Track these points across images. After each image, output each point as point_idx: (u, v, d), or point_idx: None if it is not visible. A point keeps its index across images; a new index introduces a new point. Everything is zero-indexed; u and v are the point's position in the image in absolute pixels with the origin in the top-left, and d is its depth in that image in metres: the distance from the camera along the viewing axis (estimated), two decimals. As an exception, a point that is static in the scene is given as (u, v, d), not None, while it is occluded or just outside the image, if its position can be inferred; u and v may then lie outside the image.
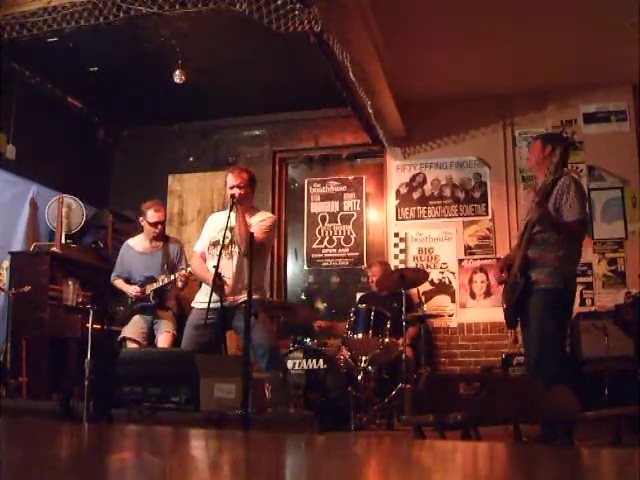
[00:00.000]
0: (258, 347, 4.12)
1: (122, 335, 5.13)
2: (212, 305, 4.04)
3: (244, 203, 4.38)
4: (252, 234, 4.02)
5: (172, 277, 5.12)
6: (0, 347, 5.21)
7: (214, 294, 4.04)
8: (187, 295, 5.86)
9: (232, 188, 4.38)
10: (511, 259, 4.18)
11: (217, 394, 3.85)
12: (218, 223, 4.46)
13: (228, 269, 4.30)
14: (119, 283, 5.34)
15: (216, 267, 4.06)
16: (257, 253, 4.17)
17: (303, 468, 1.20)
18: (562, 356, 3.93)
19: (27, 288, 5.15)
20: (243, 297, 4.11)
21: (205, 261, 4.45)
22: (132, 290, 5.21)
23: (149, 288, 5.17)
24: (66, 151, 6.84)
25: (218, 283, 4.10)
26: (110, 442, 1.61)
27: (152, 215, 5.30)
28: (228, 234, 4.30)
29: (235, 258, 4.35)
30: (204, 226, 4.68)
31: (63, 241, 6.01)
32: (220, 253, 4.15)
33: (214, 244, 4.39)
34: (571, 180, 4.00)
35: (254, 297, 4.08)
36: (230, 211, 4.25)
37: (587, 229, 4.12)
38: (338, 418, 4.65)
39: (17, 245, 6.05)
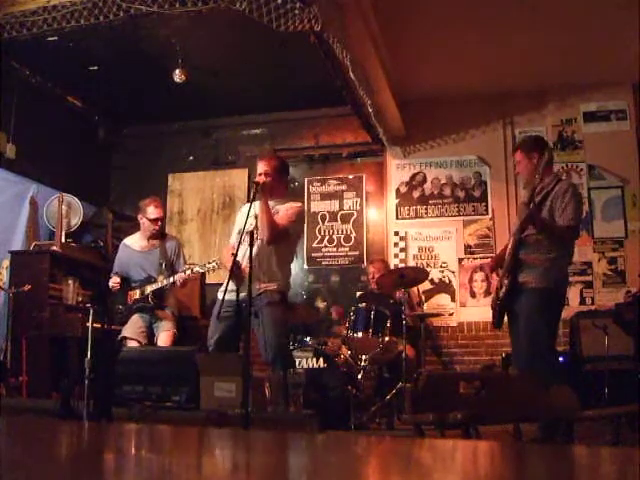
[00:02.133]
0: (262, 342, 4.08)
1: (122, 335, 5.12)
2: (229, 296, 3.96)
3: (271, 191, 4.21)
4: (274, 224, 4.00)
5: (171, 279, 5.12)
6: (0, 346, 5.21)
7: (234, 285, 3.97)
8: (184, 297, 5.87)
9: (259, 175, 4.24)
10: (502, 257, 4.20)
11: (217, 393, 3.85)
12: (246, 212, 4.25)
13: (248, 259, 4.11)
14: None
15: (234, 255, 3.93)
16: (281, 242, 4.16)
17: (303, 467, 1.20)
18: (551, 356, 3.93)
19: (27, 287, 5.15)
20: (261, 288, 4.05)
21: (237, 252, 4.21)
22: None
23: (148, 288, 5.17)
24: (66, 150, 6.84)
25: (236, 272, 3.97)
26: (110, 441, 1.61)
27: (152, 211, 5.29)
28: (252, 222, 4.13)
29: (255, 247, 4.09)
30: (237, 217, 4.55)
31: (63, 240, 6.00)
32: (239, 242, 4.00)
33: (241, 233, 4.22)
34: (569, 186, 4.03)
35: (271, 286, 4.09)
36: (253, 199, 4.06)
37: (577, 236, 4.11)
38: (338, 417, 4.64)
39: (17, 244, 6.05)
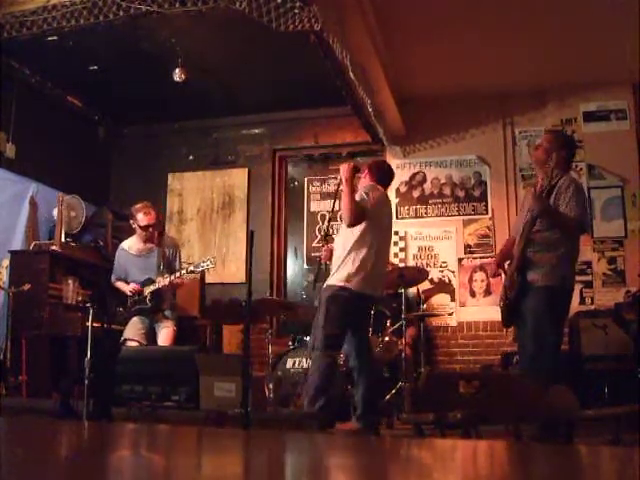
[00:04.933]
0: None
1: (123, 337, 5.13)
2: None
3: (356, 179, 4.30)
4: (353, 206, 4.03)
5: (167, 280, 5.13)
6: (0, 346, 5.21)
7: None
8: (184, 297, 5.87)
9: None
10: (506, 254, 4.18)
11: (217, 392, 3.85)
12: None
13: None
14: (120, 285, 5.36)
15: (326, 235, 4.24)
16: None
17: (303, 466, 1.20)
18: (557, 354, 3.92)
19: (27, 287, 5.15)
20: (330, 281, 4.11)
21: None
22: (129, 288, 5.22)
23: (146, 290, 5.18)
24: (66, 150, 6.83)
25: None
26: (110, 440, 1.61)
27: (142, 218, 5.32)
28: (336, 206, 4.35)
29: (341, 234, 4.31)
30: None
31: (63, 240, 6.00)
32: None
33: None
34: (571, 180, 4.01)
35: (334, 280, 4.11)
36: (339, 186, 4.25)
37: (584, 229, 4.08)
38: (338, 417, 4.64)
39: (17, 244, 6.05)
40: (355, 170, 4.23)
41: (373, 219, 4.15)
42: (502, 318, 4.08)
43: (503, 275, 4.18)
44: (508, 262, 4.16)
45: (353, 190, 4.16)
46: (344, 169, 4.21)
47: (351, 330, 4.12)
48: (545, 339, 3.80)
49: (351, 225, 4.08)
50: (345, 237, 4.19)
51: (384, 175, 4.43)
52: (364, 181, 4.38)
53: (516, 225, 4.30)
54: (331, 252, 4.34)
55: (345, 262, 4.10)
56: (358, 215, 4.08)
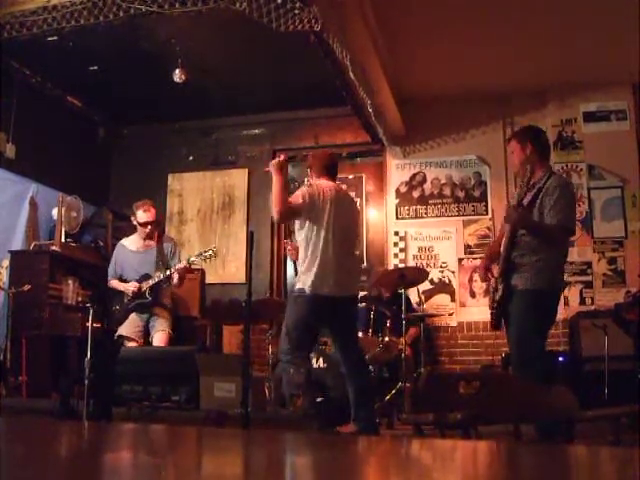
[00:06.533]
0: None
1: (118, 333, 5.14)
2: None
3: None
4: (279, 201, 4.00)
5: (167, 272, 5.14)
6: (0, 346, 5.21)
7: None
8: (184, 297, 5.87)
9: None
10: (492, 257, 4.10)
11: (217, 393, 3.86)
12: None
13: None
14: (115, 283, 5.35)
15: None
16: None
17: (303, 467, 1.20)
18: (542, 357, 3.86)
19: (27, 287, 5.15)
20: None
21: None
22: (130, 287, 5.22)
23: (145, 285, 5.19)
24: (66, 150, 6.84)
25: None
26: (110, 441, 1.60)
27: (141, 215, 5.35)
28: None
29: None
30: None
31: (63, 240, 6.00)
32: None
33: None
34: (559, 182, 3.85)
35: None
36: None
37: (569, 233, 3.92)
38: (338, 417, 4.64)
39: (17, 244, 6.05)
40: (282, 164, 4.11)
41: (310, 215, 4.03)
42: (491, 320, 4.01)
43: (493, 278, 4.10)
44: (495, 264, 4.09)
45: (285, 185, 4.05)
46: (272, 165, 4.13)
47: (332, 336, 4.10)
48: (530, 343, 3.72)
49: (278, 221, 4.24)
50: (298, 240, 4.13)
51: (323, 165, 4.29)
52: (309, 179, 4.33)
53: (503, 228, 4.14)
54: (296, 249, 4.26)
55: (300, 265, 4.07)
56: (284, 212, 4.03)
